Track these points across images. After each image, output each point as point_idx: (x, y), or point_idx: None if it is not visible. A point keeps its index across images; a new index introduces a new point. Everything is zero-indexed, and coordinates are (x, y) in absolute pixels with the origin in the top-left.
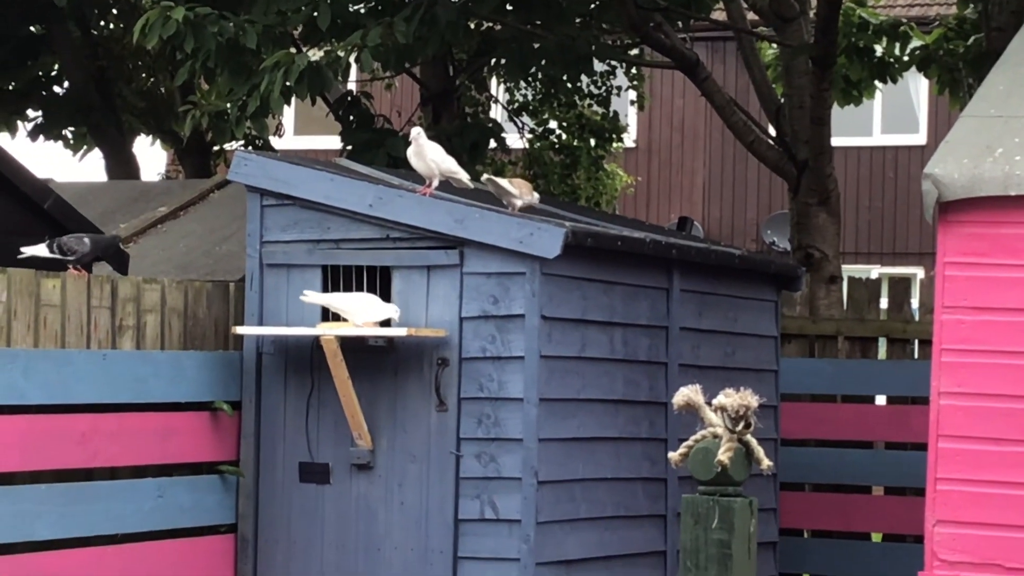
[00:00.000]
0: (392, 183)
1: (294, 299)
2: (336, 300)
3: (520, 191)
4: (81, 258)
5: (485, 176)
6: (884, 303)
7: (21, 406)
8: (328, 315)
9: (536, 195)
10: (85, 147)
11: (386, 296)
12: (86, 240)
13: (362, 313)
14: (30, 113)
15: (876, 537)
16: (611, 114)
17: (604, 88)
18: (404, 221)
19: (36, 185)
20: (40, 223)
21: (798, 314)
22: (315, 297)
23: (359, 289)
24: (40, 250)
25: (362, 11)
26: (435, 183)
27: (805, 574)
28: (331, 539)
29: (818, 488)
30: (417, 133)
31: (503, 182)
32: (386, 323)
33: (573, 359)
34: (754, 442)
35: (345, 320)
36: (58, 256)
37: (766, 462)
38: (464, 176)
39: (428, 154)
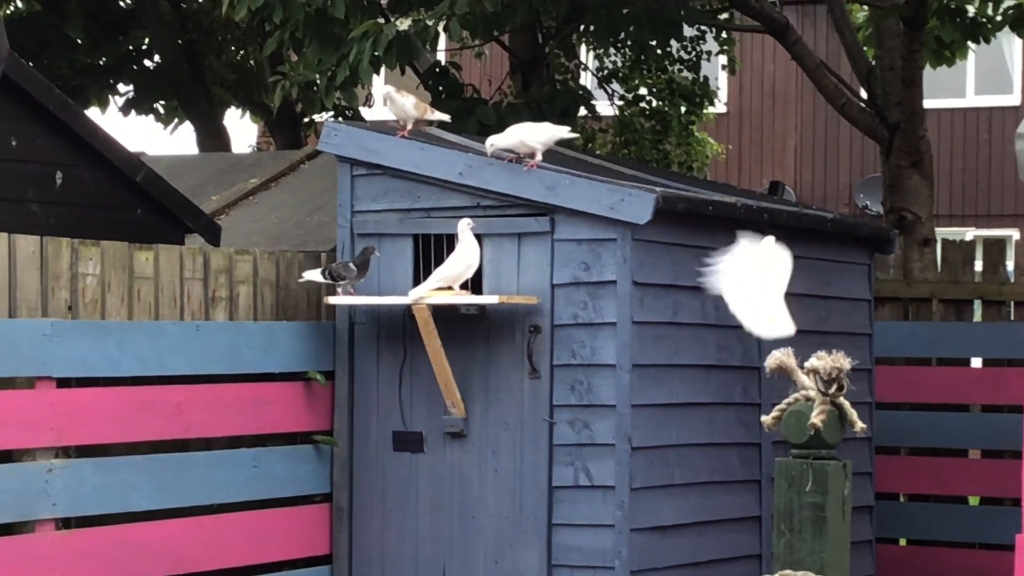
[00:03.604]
0: (482, 151)
1: (386, 268)
2: (436, 278)
3: (418, 110)
4: (350, 282)
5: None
6: (979, 265)
7: (116, 378)
8: (419, 283)
9: (433, 113)
10: (176, 120)
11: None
12: (351, 266)
13: (470, 262)
14: (121, 88)
15: (973, 501)
16: (701, 79)
17: (694, 53)
18: (494, 189)
19: (128, 159)
20: (132, 196)
21: (892, 277)
22: (421, 290)
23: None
24: (315, 275)
25: None
26: (539, 156)
27: (901, 538)
28: (425, 507)
29: (914, 452)
30: (490, 144)
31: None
32: (478, 291)
33: (665, 324)
34: (847, 404)
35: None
36: (330, 282)
37: (859, 424)
38: (565, 131)
39: (523, 138)
